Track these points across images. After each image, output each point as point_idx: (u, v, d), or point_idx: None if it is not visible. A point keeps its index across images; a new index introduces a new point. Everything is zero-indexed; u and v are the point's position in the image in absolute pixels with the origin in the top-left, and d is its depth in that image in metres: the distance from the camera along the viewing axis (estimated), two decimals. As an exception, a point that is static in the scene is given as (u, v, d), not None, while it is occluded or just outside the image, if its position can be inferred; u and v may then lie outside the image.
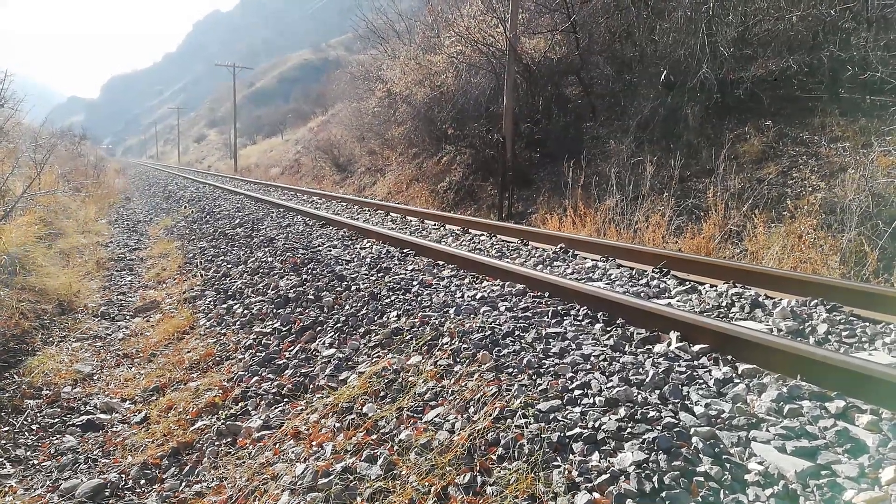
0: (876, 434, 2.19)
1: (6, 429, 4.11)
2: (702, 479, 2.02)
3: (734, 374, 2.77)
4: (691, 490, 1.99)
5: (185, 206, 13.35)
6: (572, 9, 14.25)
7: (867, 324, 3.72)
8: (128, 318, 6.49)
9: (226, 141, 62.93)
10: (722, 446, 2.18)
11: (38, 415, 4.34)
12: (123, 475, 3.43)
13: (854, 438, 2.17)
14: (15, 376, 4.88)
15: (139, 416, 4.17)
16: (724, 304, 4.35)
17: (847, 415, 2.34)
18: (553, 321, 3.65)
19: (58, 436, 4.05)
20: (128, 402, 4.49)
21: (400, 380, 3.27)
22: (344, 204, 13.01)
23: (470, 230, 8.24)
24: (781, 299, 4.32)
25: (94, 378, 4.95)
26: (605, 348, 3.14)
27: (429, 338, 3.59)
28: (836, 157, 9.13)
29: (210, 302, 6.04)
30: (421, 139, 18.38)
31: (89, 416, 4.22)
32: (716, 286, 4.78)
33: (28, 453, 3.85)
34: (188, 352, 4.96)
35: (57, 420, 4.26)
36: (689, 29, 12.49)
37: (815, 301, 4.13)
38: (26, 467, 3.68)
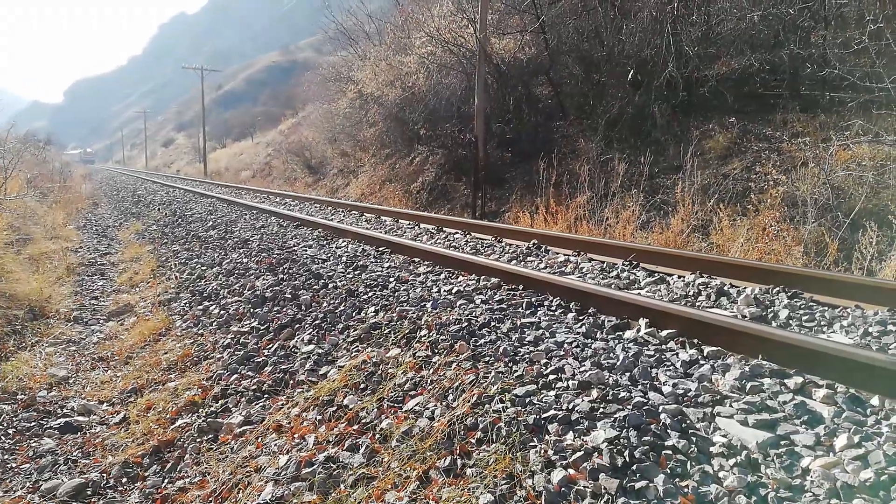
0: (831, 406, 2.33)
1: (-18, 433, 4.08)
2: (670, 452, 2.13)
3: (700, 356, 2.90)
4: (660, 463, 2.10)
5: (156, 211, 13.21)
6: (541, 10, 14.44)
7: (826, 308, 3.89)
8: (101, 322, 6.44)
9: (194, 144, 62.12)
10: (689, 422, 2.30)
11: (14, 419, 4.31)
12: (105, 474, 3.44)
13: (811, 411, 2.30)
14: (-12, 382, 4.83)
15: (118, 417, 4.17)
16: (691, 293, 4.50)
17: (805, 390, 2.48)
18: (527, 312, 3.75)
19: (35, 439, 4.04)
20: (105, 404, 4.49)
21: (380, 372, 3.34)
22: (317, 205, 13.00)
23: (444, 228, 8.33)
24: (745, 287, 4.48)
25: (70, 382, 4.92)
26: (577, 335, 3.25)
27: (407, 331, 3.67)
28: (798, 151, 9.42)
29: (185, 304, 6.03)
30: (393, 140, 18.43)
31: (67, 419, 4.21)
32: (683, 276, 4.94)
33: (5, 456, 3.83)
34: (165, 353, 4.96)
35: (34, 423, 4.24)
36: (654, 29, 12.75)
37: (777, 288, 4.31)
38: (4, 470, 3.66)
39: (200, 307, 5.68)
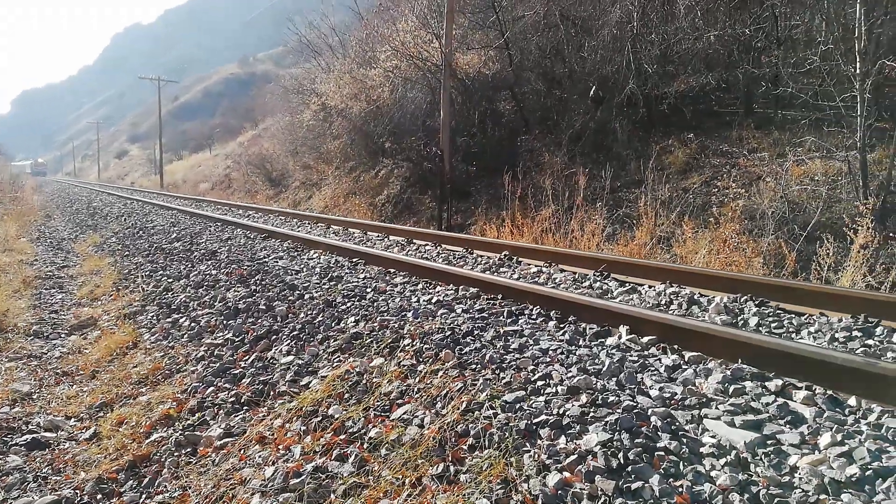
0: (812, 407, 2.43)
1: (-58, 452, 3.90)
2: (662, 453, 2.19)
3: (682, 361, 2.98)
4: (654, 464, 2.15)
5: (115, 223, 12.86)
6: (505, 26, 14.68)
7: (793, 316, 4.05)
8: (63, 336, 6.22)
9: (149, 156, 60.82)
10: (678, 424, 2.36)
11: (-25, 436, 4.13)
12: (78, 491, 3.32)
13: (793, 411, 2.39)
14: (-55, 399, 4.62)
15: (88, 433, 4.03)
16: (663, 302, 4.62)
17: (785, 391, 2.57)
18: (509, 320, 3.80)
19: (0, 456, 3.87)
20: (73, 419, 4.33)
21: (364, 381, 3.32)
22: (282, 217, 12.86)
23: (414, 241, 8.34)
24: (714, 296, 4.62)
25: (34, 397, 4.74)
26: (561, 343, 3.30)
27: (389, 340, 3.66)
28: (754, 167, 9.78)
29: (152, 317, 5.88)
30: (357, 153, 18.41)
31: (33, 435, 4.05)
32: (654, 286, 5.06)
33: (-33, 476, 3.66)
34: (134, 367, 4.83)
35: (-4, 441, 4.07)
36: (615, 47, 13.11)
37: (745, 297, 4.46)
38: (-33, 490, 3.50)
39: (169, 320, 5.55)
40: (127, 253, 9.07)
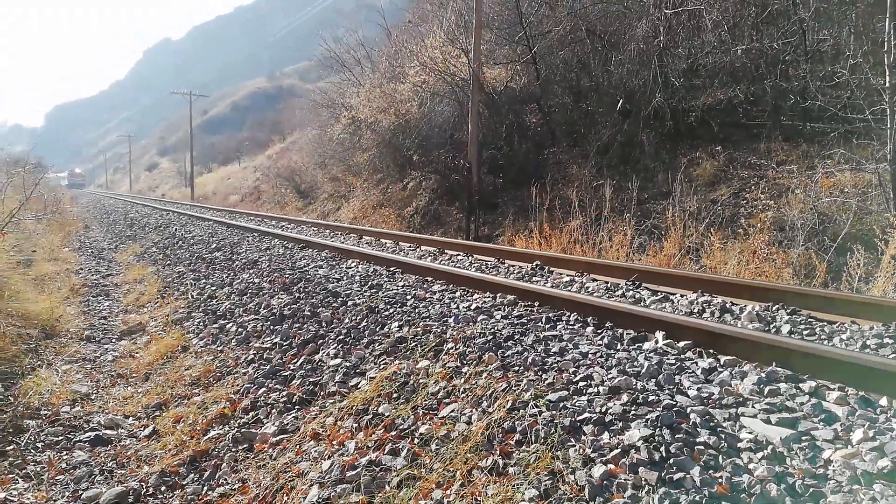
0: (844, 406, 2.56)
1: (11, 447, 4.16)
2: (702, 447, 2.34)
3: (718, 365, 3.12)
4: (694, 457, 2.30)
5: (154, 233, 13.29)
6: (532, 40, 14.91)
7: (824, 324, 4.15)
8: (114, 340, 6.53)
9: (179, 169, 62.09)
10: (716, 421, 2.51)
11: (41, 433, 4.39)
12: (143, 483, 3.55)
13: (827, 410, 2.52)
14: (10, 398, 4.91)
15: (147, 430, 4.28)
16: (695, 310, 4.75)
17: (819, 392, 2.70)
18: (547, 326, 3.96)
19: (66, 452, 4.13)
20: (131, 418, 4.59)
21: (411, 382, 3.51)
22: (314, 228, 13.17)
23: (446, 251, 8.54)
24: (746, 305, 4.73)
25: (92, 398, 5.01)
26: (600, 347, 3.46)
27: (433, 344, 3.85)
28: (783, 178, 9.82)
29: (199, 322, 6.15)
30: (386, 165, 18.73)
31: (96, 432, 4.31)
32: (686, 295, 5.18)
33: (39, 469, 3.92)
34: (186, 369, 5.08)
35: (61, 438, 4.33)
36: (642, 61, 13.23)
37: (777, 306, 4.56)
38: (39, 482, 3.75)
39: (216, 325, 5.81)
40: (168, 262, 9.41)
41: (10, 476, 3.79)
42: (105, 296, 8.57)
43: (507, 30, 16.06)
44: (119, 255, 12.13)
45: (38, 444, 4.25)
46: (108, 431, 4.35)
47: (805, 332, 3.99)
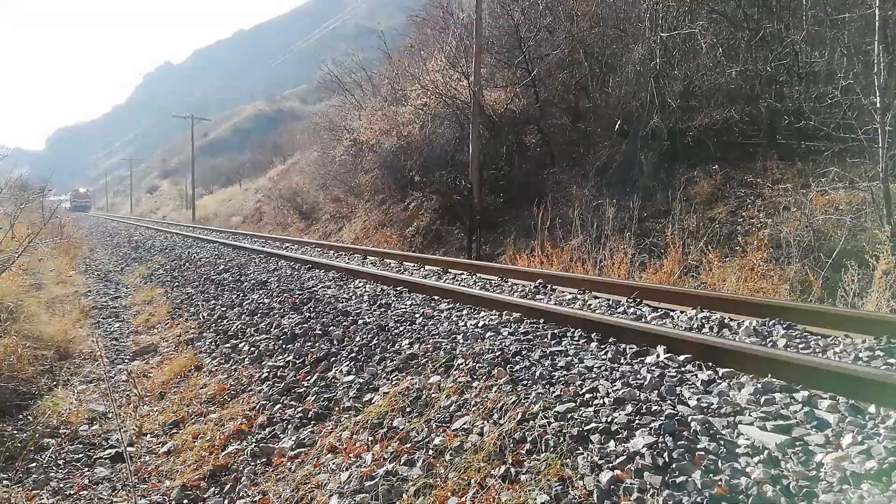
0: (835, 414, 2.72)
1: (34, 465, 4.30)
2: (703, 452, 2.49)
3: (716, 376, 3.28)
4: (695, 462, 2.45)
5: (160, 255, 13.47)
6: (531, 64, 15.23)
7: (819, 338, 4.32)
8: (127, 361, 6.67)
9: (180, 191, 62.43)
10: (715, 428, 2.67)
11: (62, 451, 4.54)
12: (165, 497, 3.69)
13: (819, 418, 2.69)
14: (29, 417, 5.06)
15: (165, 447, 4.42)
16: (695, 326, 4.91)
17: (811, 401, 2.86)
18: (553, 342, 4.13)
19: (87, 468, 4.27)
20: (149, 435, 4.73)
21: (424, 397, 3.66)
22: (318, 249, 13.36)
23: (450, 270, 8.71)
24: (744, 320, 4.89)
25: (109, 416, 5.15)
26: (604, 361, 3.62)
27: (443, 360, 4.01)
28: (779, 197, 10.03)
29: (211, 342, 6.30)
30: (387, 186, 18.98)
31: (116, 449, 4.45)
32: (685, 311, 5.35)
33: (61, 485, 4.06)
34: (201, 388, 5.22)
35: (81, 455, 4.47)
36: (638, 82, 13.53)
37: (773, 321, 4.73)
38: (63, 496, 3.89)
39: (228, 345, 5.96)
40: (176, 284, 9.58)
41: (35, 492, 3.94)
42: (115, 317, 8.73)
43: (506, 53, 16.40)
44: (126, 278, 12.31)
45: (60, 462, 4.39)
46: (128, 448, 4.49)
47: (800, 346, 4.15)
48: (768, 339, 4.36)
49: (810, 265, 7.65)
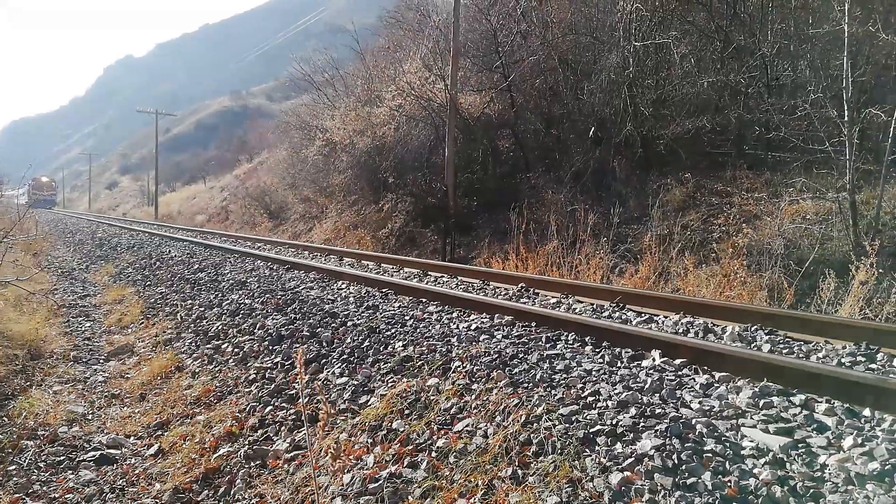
0: (833, 417, 2.81)
1: (13, 467, 4.16)
2: (710, 454, 2.55)
3: (713, 380, 3.36)
4: (703, 463, 2.51)
5: (127, 254, 13.14)
6: (508, 69, 15.34)
7: (801, 343, 4.46)
8: (102, 361, 6.50)
9: (141, 188, 61.08)
10: (719, 431, 2.73)
11: (42, 453, 4.40)
12: (157, 500, 3.61)
13: (818, 420, 2.78)
14: (5, 419, 4.89)
15: (152, 449, 4.32)
16: (680, 331, 5.01)
17: (808, 405, 2.96)
18: (548, 345, 4.17)
19: (70, 471, 4.15)
20: (133, 437, 4.62)
21: (422, 399, 3.66)
22: (293, 249, 13.20)
23: (429, 272, 8.70)
24: (727, 326, 5.02)
25: (89, 418, 5.01)
26: (602, 364, 3.68)
27: (440, 363, 4.01)
28: (749, 205, 10.31)
29: (191, 343, 6.19)
30: (361, 187, 18.87)
31: (100, 452, 4.33)
32: (668, 316, 5.46)
33: (45, 488, 3.93)
34: (185, 389, 5.12)
35: (63, 457, 4.34)
36: (612, 90, 13.76)
37: (756, 327, 4.86)
38: (48, 501, 3.78)
39: (210, 346, 5.86)
40: (148, 283, 9.36)
41: (18, 496, 3.81)
42: (85, 316, 8.48)
43: (482, 57, 16.48)
44: (93, 276, 11.98)
45: (40, 464, 4.26)
46: (112, 451, 4.38)
47: (784, 351, 4.28)
48: (753, 345, 4.48)
49: (781, 273, 7.87)
